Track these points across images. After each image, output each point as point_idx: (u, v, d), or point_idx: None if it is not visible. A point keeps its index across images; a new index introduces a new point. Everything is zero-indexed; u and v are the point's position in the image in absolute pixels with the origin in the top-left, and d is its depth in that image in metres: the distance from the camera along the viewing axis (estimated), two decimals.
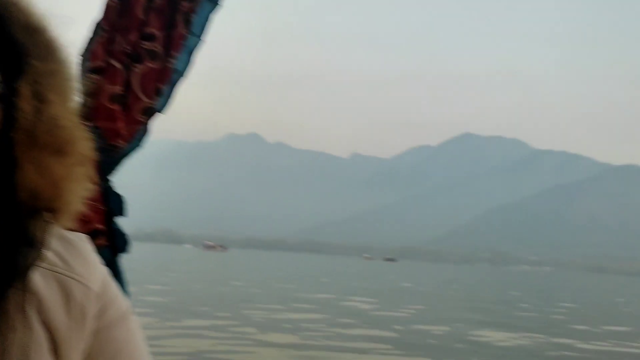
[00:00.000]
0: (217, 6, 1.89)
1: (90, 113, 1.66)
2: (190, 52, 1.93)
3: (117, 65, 1.80)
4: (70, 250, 0.93)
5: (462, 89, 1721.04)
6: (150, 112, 1.85)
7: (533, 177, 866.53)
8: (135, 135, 1.83)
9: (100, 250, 1.25)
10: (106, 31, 1.84)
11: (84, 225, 1.61)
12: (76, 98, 0.84)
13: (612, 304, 35.48)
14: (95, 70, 1.80)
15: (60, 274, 0.84)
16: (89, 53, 1.84)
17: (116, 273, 1.79)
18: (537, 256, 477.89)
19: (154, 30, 1.85)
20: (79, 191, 0.89)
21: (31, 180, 0.85)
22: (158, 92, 1.88)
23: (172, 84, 1.92)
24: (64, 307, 0.85)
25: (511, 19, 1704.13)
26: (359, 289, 31.19)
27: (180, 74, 1.93)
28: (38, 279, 0.82)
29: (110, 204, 1.78)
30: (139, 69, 1.82)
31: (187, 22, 1.88)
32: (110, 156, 1.71)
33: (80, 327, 0.86)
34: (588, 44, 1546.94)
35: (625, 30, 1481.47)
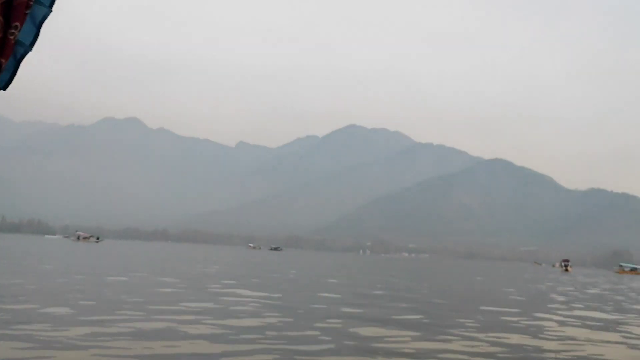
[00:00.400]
0: None
1: None
2: (36, 23, 1.86)
3: None
4: None
5: (348, 82, 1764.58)
6: None
7: (413, 169, 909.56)
8: None
9: None
10: None
11: None
12: None
13: (469, 283, 37.95)
14: None
15: None
16: None
17: None
18: (416, 244, 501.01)
19: None
20: None
21: None
22: None
23: (16, 58, 1.85)
24: None
25: (396, 15, 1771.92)
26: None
27: (25, 47, 1.85)
28: None
29: None
30: None
31: None
32: None
33: None
34: (464, 42, 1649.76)
35: (494, 30, 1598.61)
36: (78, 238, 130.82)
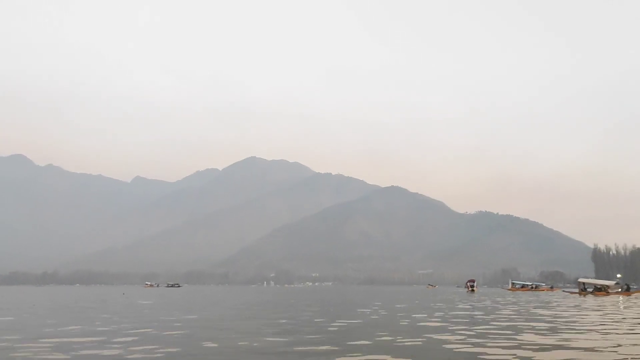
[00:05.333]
0: None
1: None
2: None
3: None
4: None
5: (247, 114, 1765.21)
6: None
7: (313, 198, 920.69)
8: None
9: None
10: None
11: None
12: None
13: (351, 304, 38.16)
14: None
15: None
16: None
17: None
18: (319, 272, 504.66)
19: None
20: None
21: None
22: None
23: None
24: None
25: (295, 49, 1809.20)
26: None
27: None
28: None
29: None
30: None
31: None
32: None
33: None
34: (361, 77, 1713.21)
35: (390, 64, 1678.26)
36: None
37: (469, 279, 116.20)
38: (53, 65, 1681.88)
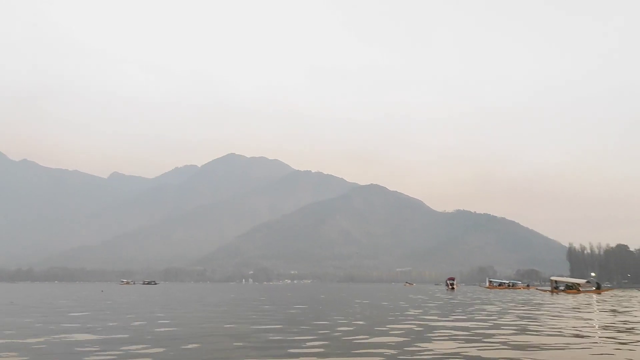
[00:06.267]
0: None
1: None
2: None
3: None
4: None
5: (227, 111, 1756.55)
6: None
7: (293, 196, 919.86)
8: None
9: None
10: None
11: None
12: None
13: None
14: None
15: None
16: None
17: None
18: (298, 270, 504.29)
19: None
20: None
21: None
22: None
23: None
24: None
25: (278, 46, 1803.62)
26: None
27: None
28: None
29: None
30: None
31: None
32: None
33: None
34: (343, 76, 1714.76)
35: (372, 63, 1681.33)
36: None
37: (449, 277, 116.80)
38: (29, 59, 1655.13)
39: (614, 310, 27.01)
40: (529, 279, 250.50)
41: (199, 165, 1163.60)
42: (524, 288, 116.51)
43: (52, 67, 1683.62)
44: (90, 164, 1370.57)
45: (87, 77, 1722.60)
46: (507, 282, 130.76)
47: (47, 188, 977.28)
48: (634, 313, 25.05)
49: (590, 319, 20.53)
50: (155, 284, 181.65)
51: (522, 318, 20.81)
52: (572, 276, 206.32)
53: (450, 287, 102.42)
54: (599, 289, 76.37)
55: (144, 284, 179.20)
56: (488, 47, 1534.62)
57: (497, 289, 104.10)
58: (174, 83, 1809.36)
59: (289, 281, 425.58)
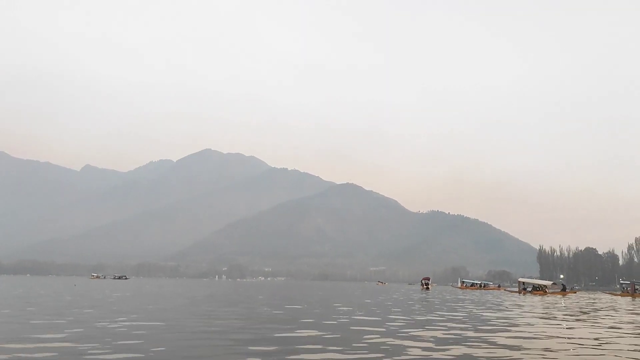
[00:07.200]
0: None
1: None
2: None
3: None
4: None
5: (204, 105, 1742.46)
6: None
7: (269, 193, 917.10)
8: None
9: None
10: None
11: None
12: None
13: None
14: None
15: None
16: None
17: None
18: (272, 267, 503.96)
19: None
20: None
21: None
22: None
23: None
24: None
25: (257, 42, 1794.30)
26: None
27: None
28: None
29: None
30: None
31: None
32: None
33: None
34: (322, 74, 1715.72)
35: (350, 62, 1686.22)
36: None
37: (424, 276, 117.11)
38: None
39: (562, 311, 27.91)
40: (500, 279, 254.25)
41: (175, 160, 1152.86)
42: (495, 289, 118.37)
43: (21, 55, 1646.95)
44: (62, 156, 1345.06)
45: (59, 68, 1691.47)
46: (479, 282, 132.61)
47: (17, 180, 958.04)
48: (580, 315, 25.93)
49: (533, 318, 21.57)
50: (126, 278, 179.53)
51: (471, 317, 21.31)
52: (541, 278, 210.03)
53: (425, 286, 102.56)
54: (564, 290, 78.14)
55: (114, 278, 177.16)
56: (466, 54, 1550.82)
57: (469, 289, 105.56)
58: (149, 75, 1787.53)
59: (262, 278, 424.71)
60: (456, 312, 25.18)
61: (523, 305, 34.59)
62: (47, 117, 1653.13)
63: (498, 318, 21.50)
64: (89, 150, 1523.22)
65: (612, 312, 28.48)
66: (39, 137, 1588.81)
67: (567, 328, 17.65)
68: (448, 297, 49.23)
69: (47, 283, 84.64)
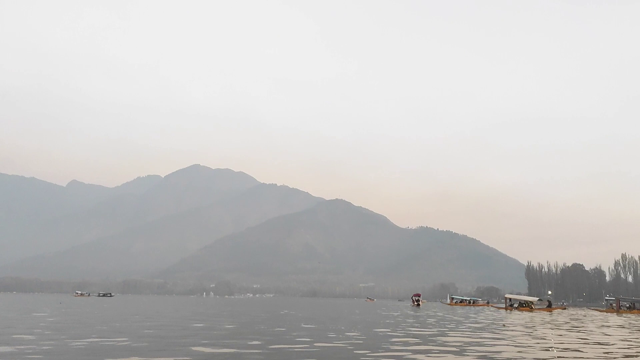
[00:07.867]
0: None
1: None
2: None
3: None
4: None
5: (191, 121, 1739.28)
6: None
7: (257, 209, 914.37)
8: None
9: None
10: None
11: None
12: None
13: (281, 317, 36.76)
14: None
15: None
16: None
17: None
18: (260, 284, 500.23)
19: None
20: None
21: None
22: None
23: None
24: None
25: (244, 56, 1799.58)
26: None
27: None
28: None
29: None
30: None
31: None
32: None
33: None
34: (311, 89, 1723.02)
35: (340, 78, 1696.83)
36: None
37: (415, 293, 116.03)
38: None
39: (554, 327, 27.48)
40: (489, 295, 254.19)
41: (162, 176, 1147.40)
42: (484, 305, 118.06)
43: (7, 72, 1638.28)
44: (48, 171, 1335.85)
45: (45, 83, 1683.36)
46: (468, 299, 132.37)
47: (2, 195, 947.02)
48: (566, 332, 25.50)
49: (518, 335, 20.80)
50: (111, 296, 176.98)
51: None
52: (530, 294, 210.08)
53: (415, 303, 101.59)
54: (550, 307, 77.83)
55: (99, 296, 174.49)
56: (455, 72, 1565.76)
57: (459, 306, 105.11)
58: (137, 90, 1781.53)
59: (251, 295, 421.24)
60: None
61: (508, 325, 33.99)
62: (33, 132, 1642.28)
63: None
64: (76, 165, 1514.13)
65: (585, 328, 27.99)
66: (24, 152, 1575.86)
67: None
68: (444, 315, 48.50)
69: (27, 300, 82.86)
